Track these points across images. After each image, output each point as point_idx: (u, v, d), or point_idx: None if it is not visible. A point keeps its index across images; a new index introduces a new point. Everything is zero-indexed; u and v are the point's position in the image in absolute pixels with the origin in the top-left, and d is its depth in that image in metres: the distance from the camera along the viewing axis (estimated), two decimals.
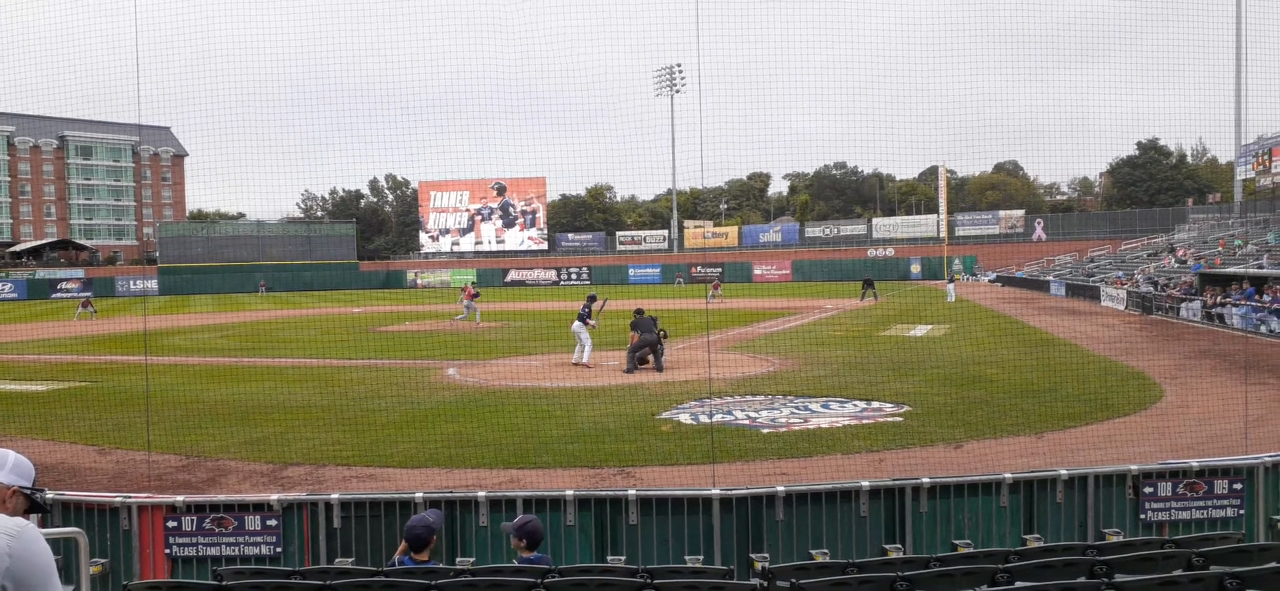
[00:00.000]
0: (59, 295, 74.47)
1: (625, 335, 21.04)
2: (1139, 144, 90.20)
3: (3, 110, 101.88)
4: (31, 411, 16.71)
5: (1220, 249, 45.15)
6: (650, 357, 20.46)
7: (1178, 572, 4.97)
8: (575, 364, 21.07)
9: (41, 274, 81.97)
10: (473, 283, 54.77)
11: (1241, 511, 7.97)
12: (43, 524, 6.91)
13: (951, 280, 49.74)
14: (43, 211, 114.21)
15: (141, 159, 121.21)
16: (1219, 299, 31.03)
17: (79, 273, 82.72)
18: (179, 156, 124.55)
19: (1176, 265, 45.45)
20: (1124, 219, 78.26)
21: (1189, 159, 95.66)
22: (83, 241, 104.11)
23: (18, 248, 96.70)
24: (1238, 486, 7.98)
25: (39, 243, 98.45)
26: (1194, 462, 8.09)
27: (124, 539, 7.50)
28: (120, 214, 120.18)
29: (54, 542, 5.97)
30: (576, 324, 21.55)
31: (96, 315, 45.97)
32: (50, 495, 7.36)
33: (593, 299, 22.43)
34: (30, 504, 3.06)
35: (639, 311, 21.15)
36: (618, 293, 46.65)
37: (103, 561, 7.39)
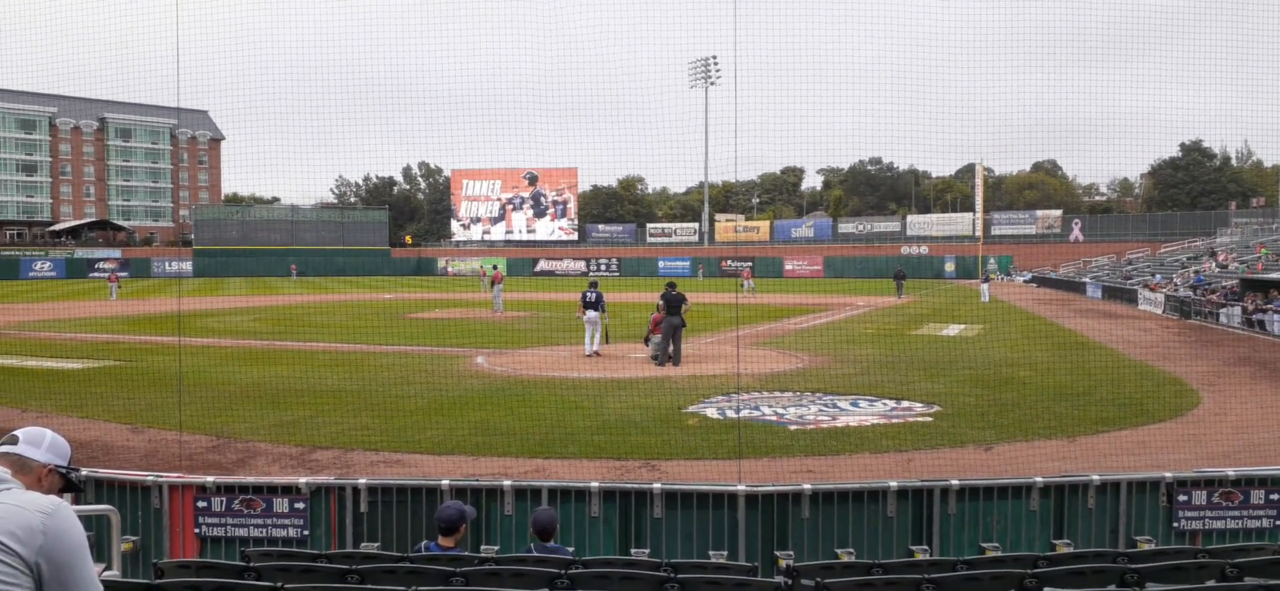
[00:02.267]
0: (97, 274, 75.70)
1: (640, 329, 20.83)
2: (1182, 145, 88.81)
3: (45, 91, 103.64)
4: (67, 389, 16.99)
5: (1259, 253, 44.33)
6: (670, 346, 19.96)
7: (1211, 583, 4.87)
8: (588, 356, 20.90)
9: (80, 253, 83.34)
10: (494, 266, 55.19)
11: (1278, 522, 7.82)
12: (76, 501, 7.01)
13: (986, 280, 49.24)
14: (82, 192, 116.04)
15: (179, 142, 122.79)
16: (1260, 305, 30.46)
17: (116, 253, 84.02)
18: (216, 140, 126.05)
19: (1217, 269, 44.68)
20: (1164, 221, 77.06)
21: (1234, 161, 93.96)
22: (120, 222, 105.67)
23: (57, 227, 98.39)
24: (1275, 497, 7.82)
25: (77, 222, 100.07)
26: (1230, 471, 7.94)
27: (155, 517, 7.60)
28: (157, 196, 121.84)
29: (86, 519, 6.05)
30: (591, 313, 21.30)
31: (119, 291, 46.74)
32: (84, 473, 7.47)
33: (594, 285, 22.12)
34: (66, 482, 3.10)
35: (670, 285, 20.63)
36: (646, 284, 46.60)
37: (134, 539, 7.49)
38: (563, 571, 5.03)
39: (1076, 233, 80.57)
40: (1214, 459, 10.83)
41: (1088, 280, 55.86)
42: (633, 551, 7.27)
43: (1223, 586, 4.74)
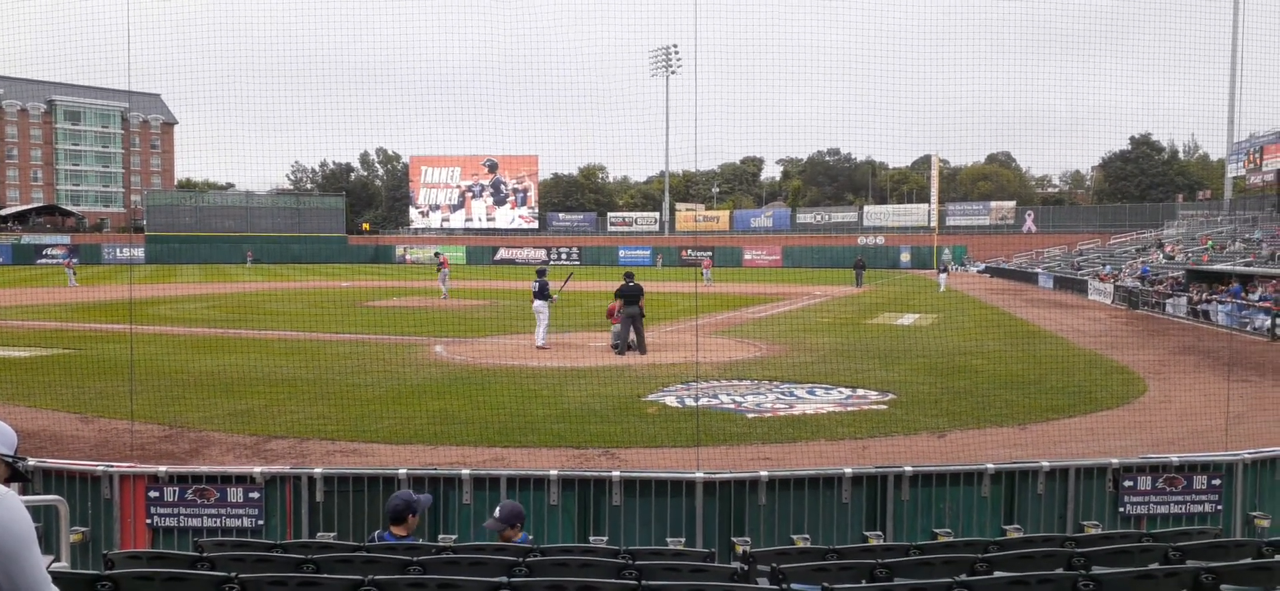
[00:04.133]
0: (44, 261, 73.99)
1: (599, 317, 20.67)
2: (1132, 138, 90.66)
3: None
4: (14, 377, 16.63)
5: (1203, 245, 45.38)
6: (632, 333, 19.95)
7: (1154, 566, 5.00)
8: (538, 347, 20.44)
9: (27, 239, 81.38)
10: (435, 252, 55.04)
11: (1220, 507, 8.04)
12: (24, 492, 6.88)
13: (944, 270, 49.85)
14: (30, 176, 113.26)
15: (130, 126, 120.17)
16: (1205, 295, 31.20)
17: (65, 238, 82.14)
18: (169, 124, 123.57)
19: (1164, 260, 45.66)
20: (1114, 213, 78.61)
21: (1181, 155, 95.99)
22: (69, 207, 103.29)
23: (3, 212, 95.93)
24: (1217, 482, 8.05)
25: (25, 208, 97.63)
26: (1174, 457, 8.15)
27: (105, 508, 7.48)
28: (108, 181, 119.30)
29: (34, 510, 5.94)
30: (537, 302, 20.82)
31: (76, 277, 45.82)
32: (31, 463, 7.33)
33: (542, 271, 21.65)
34: (11, 472, 3.05)
35: (628, 276, 20.44)
36: (607, 274, 46.61)
37: (83, 529, 7.37)
38: (521, 559, 5.04)
39: (1029, 224, 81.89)
40: (1159, 445, 11.11)
41: (1040, 271, 56.80)
42: (591, 539, 7.30)
43: (1166, 569, 4.87)
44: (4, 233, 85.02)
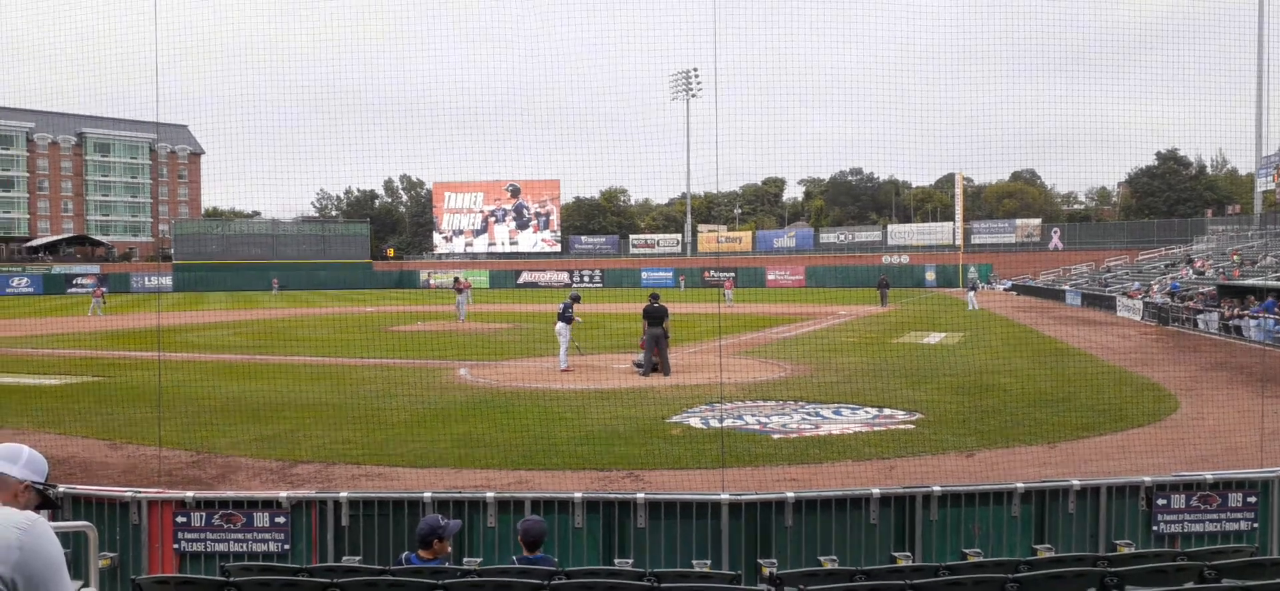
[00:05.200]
0: (75, 290, 74.95)
1: (623, 340, 20.68)
2: (1158, 154, 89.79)
3: (22, 107, 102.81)
4: (45, 405, 16.82)
5: (1233, 259, 44.79)
6: (657, 354, 19.96)
7: (1189, 585, 4.92)
8: (562, 370, 20.45)
9: (57, 269, 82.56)
10: (457, 277, 55.33)
11: (1255, 525, 7.89)
12: (53, 518, 6.94)
13: (973, 288, 49.41)
14: (60, 207, 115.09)
15: (158, 156, 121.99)
16: (1237, 311, 30.76)
17: (94, 268, 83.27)
18: (195, 154, 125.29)
19: (1194, 276, 45.11)
20: (1141, 229, 77.83)
21: (1209, 170, 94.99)
22: (99, 237, 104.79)
23: (35, 243, 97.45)
24: (1252, 499, 7.90)
25: (55, 238, 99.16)
26: (1208, 475, 8.01)
27: (134, 533, 7.53)
28: (136, 210, 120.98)
29: (64, 536, 5.99)
30: (559, 325, 20.94)
31: (103, 307, 46.37)
32: (61, 489, 7.40)
33: (576, 299, 21.93)
34: (42, 499, 3.07)
35: (653, 297, 20.56)
36: (629, 296, 46.63)
37: (112, 555, 7.41)
38: (546, 582, 5.02)
39: (1056, 241, 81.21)
40: (1192, 462, 10.93)
41: (1067, 288, 56.27)
42: (616, 561, 7.26)
43: (1201, 588, 4.78)
44: (35, 263, 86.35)
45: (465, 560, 7.15)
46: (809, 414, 15.19)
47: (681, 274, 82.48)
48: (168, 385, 18.40)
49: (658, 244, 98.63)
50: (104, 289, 53.23)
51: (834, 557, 7.29)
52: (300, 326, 37.11)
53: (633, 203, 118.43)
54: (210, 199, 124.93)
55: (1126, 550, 7.37)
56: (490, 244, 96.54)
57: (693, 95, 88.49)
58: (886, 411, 15.41)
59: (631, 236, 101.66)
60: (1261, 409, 13.50)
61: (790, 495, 7.46)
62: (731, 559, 7.31)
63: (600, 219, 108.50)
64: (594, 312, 27.93)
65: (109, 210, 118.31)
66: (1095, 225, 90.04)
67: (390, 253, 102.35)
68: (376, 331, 33.91)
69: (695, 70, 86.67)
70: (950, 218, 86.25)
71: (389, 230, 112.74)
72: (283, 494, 7.60)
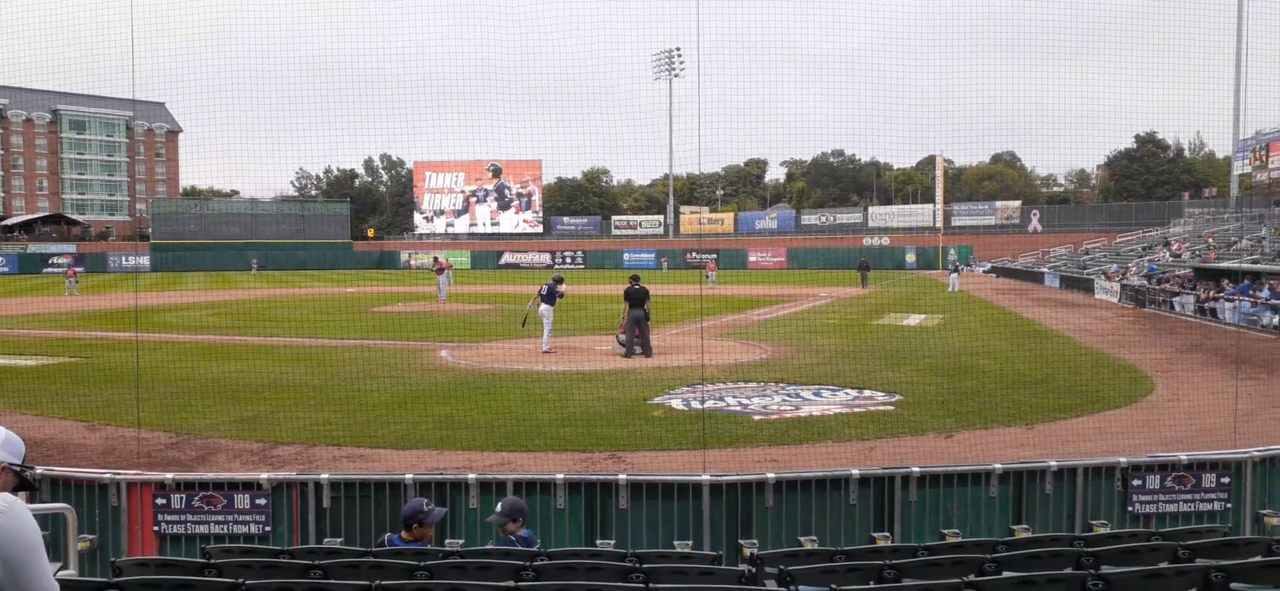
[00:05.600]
0: (50, 270, 74.14)
1: (605, 321, 20.62)
2: (1137, 137, 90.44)
3: None
4: (21, 386, 16.67)
5: (1209, 242, 45.24)
6: (638, 335, 19.99)
7: (1164, 564, 4.98)
8: (545, 352, 20.38)
9: (33, 248, 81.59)
10: (437, 257, 55.05)
11: (1229, 505, 8.01)
12: (32, 500, 6.89)
13: (954, 271, 49.56)
14: (35, 186, 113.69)
15: (135, 134, 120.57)
16: (1212, 294, 31.10)
17: (71, 248, 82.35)
18: (173, 132, 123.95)
19: (1171, 259, 45.53)
20: (1119, 212, 78.46)
21: (1186, 153, 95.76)
22: (75, 216, 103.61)
23: (9, 221, 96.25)
24: (1225, 480, 8.01)
25: (30, 217, 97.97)
26: (1183, 456, 8.12)
27: (113, 515, 7.49)
28: (113, 189, 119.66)
29: (42, 518, 5.95)
30: (543, 307, 20.87)
31: (78, 286, 45.91)
32: (39, 471, 7.34)
33: (559, 280, 21.88)
34: (20, 481, 3.06)
35: (634, 278, 20.52)
36: (612, 277, 46.60)
37: (91, 537, 7.38)
38: (528, 563, 5.03)
39: (1035, 223, 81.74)
40: (1167, 444, 11.06)
41: (1046, 270, 56.67)
42: (598, 542, 7.29)
43: (1175, 568, 4.84)
44: (10, 242, 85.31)
45: (448, 541, 7.16)
46: (790, 395, 15.27)
47: (664, 256, 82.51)
48: (146, 366, 18.26)
49: (640, 225, 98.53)
50: (79, 268, 52.66)
51: (814, 538, 7.35)
52: (279, 307, 36.87)
53: (615, 183, 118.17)
54: (188, 178, 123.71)
55: (1102, 530, 7.47)
56: (471, 224, 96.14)
57: (675, 75, 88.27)
58: (866, 393, 15.51)
59: (614, 217, 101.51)
60: (1235, 391, 13.67)
61: (771, 476, 7.51)
62: (712, 539, 7.36)
63: (582, 200, 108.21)
64: (576, 294, 27.87)
65: (85, 189, 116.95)
66: (1074, 207, 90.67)
67: (370, 233, 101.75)
68: (357, 312, 33.76)
69: (678, 50, 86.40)
70: (931, 199, 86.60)
71: (369, 210, 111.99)
72: (263, 475, 7.58)
